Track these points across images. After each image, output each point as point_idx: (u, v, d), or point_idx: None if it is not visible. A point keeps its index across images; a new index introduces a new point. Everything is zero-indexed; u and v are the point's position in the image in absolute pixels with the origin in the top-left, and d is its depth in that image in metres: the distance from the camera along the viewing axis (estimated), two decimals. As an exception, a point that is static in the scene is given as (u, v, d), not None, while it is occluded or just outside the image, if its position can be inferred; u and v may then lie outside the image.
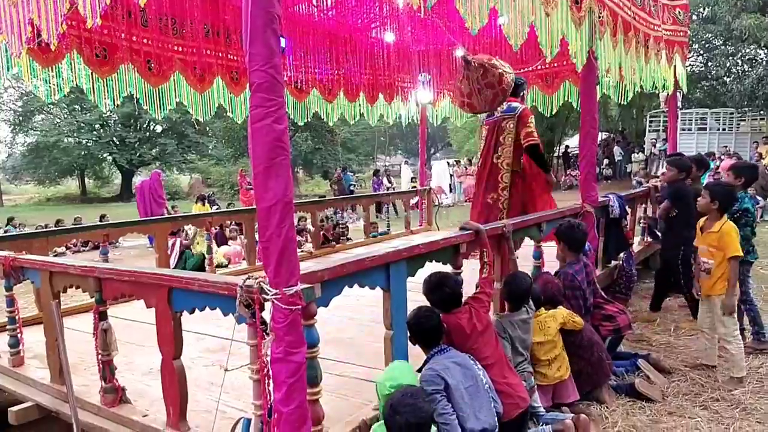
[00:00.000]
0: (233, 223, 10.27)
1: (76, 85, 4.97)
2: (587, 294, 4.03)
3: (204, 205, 14.51)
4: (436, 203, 9.50)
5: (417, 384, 2.59)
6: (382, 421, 2.43)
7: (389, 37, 7.47)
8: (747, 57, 21.74)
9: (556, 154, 26.69)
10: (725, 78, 21.52)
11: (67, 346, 3.01)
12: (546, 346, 3.57)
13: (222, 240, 10.15)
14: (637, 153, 22.02)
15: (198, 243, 8.37)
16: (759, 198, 12.32)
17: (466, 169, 22.25)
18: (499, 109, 5.31)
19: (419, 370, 2.93)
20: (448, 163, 23.25)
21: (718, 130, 20.95)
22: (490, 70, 5.02)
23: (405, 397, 2.34)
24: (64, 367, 2.94)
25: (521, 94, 5.71)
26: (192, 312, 2.57)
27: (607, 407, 3.65)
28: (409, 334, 2.97)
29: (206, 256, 6.92)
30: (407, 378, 2.56)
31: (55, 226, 10.88)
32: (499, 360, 3.08)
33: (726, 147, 18.20)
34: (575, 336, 3.72)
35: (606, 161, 22.17)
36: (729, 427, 3.36)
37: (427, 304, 3.11)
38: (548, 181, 5.81)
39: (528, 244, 4.31)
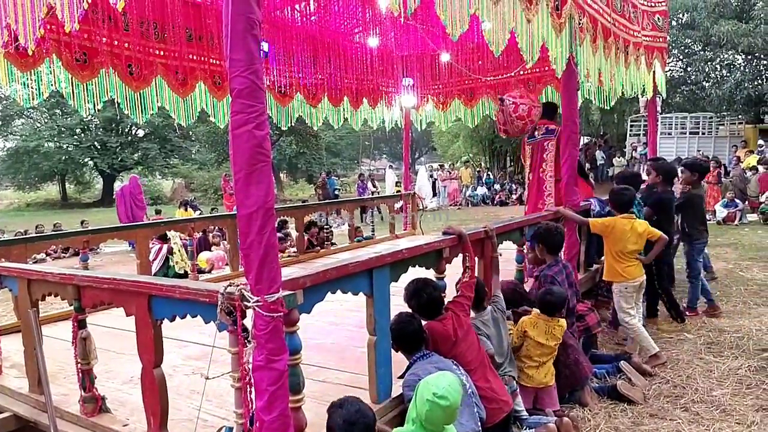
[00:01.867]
0: (216, 228, 10.19)
1: (56, 89, 4.90)
2: (569, 296, 4.06)
3: (187, 210, 14.40)
4: (421, 207, 9.52)
5: (460, 405, 2.42)
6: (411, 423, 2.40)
7: (372, 41, 7.47)
8: (725, 62, 22.13)
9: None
10: (704, 83, 21.88)
11: (45, 354, 2.97)
12: (543, 349, 3.62)
13: (205, 245, 10.07)
14: (619, 157, 22.25)
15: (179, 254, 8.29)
16: (738, 201, 12.54)
17: (450, 173, 22.37)
18: (538, 132, 6.10)
19: (401, 377, 2.93)
20: (431, 166, 23.34)
21: (698, 134, 21.24)
22: (520, 106, 5.99)
23: (351, 406, 2.34)
24: (42, 377, 2.89)
25: (555, 117, 6.35)
26: (173, 320, 2.54)
27: (589, 410, 3.68)
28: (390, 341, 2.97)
29: (188, 272, 6.90)
30: (454, 396, 2.33)
31: (36, 232, 10.72)
32: (481, 364, 3.10)
33: (700, 152, 18.44)
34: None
35: (588, 165, 22.35)
36: (709, 428, 3.40)
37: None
38: (590, 185, 6.53)
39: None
